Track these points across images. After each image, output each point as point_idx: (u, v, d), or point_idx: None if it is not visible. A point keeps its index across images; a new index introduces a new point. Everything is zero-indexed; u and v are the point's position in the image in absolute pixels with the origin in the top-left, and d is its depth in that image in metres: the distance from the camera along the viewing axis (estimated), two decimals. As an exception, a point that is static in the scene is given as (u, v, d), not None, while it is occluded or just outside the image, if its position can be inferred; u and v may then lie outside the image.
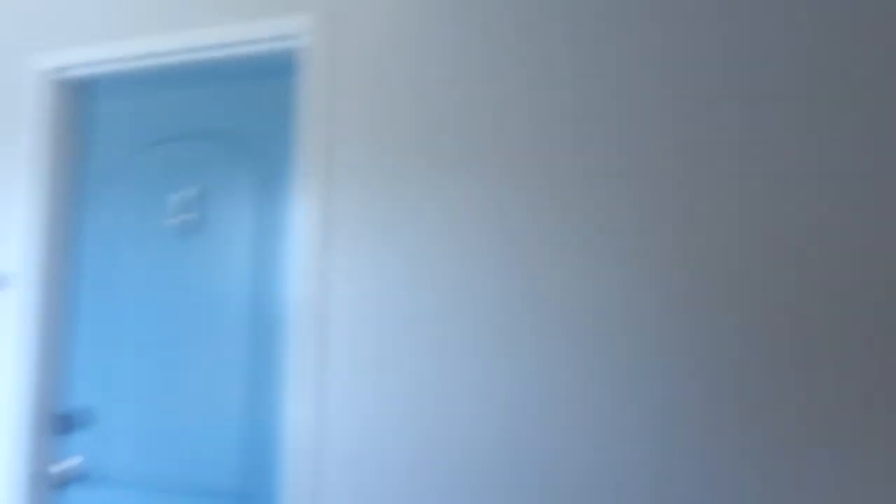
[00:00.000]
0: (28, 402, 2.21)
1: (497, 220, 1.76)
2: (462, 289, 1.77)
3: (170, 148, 2.18)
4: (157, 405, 2.11)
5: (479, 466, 1.71)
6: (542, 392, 1.68)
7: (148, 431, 2.12)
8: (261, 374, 2.00)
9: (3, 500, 2.21)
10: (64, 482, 2.19)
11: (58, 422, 2.24)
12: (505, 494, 1.68)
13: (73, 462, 2.19)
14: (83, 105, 2.34)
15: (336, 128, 1.92)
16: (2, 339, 2.27)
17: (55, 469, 2.21)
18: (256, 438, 1.99)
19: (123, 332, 2.18)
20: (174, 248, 2.15)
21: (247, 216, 2.07)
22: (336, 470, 1.83)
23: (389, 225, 1.85)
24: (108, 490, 2.15)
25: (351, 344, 1.85)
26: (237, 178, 2.09)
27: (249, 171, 2.07)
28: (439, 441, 1.75)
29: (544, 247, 1.71)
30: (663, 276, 1.61)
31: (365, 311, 1.85)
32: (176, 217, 2.15)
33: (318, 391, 1.87)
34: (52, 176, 2.29)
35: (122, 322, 2.19)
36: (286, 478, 1.88)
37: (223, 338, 2.06)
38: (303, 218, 1.91)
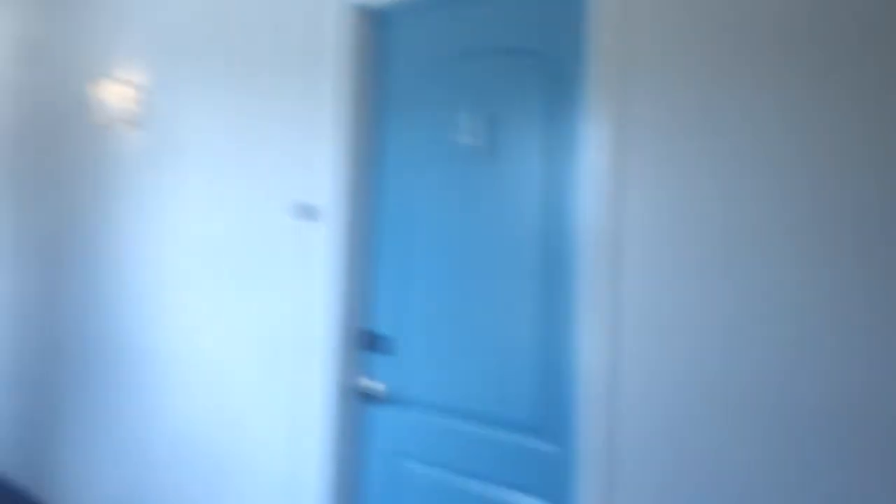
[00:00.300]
0: (338, 322, 2.38)
1: (831, 130, 1.48)
2: (785, 212, 1.52)
3: (461, 69, 2.17)
4: (451, 333, 2.14)
5: (799, 424, 1.50)
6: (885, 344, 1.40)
7: (444, 360, 2.15)
8: (554, 304, 1.93)
9: (318, 408, 2.42)
10: (372, 400, 2.34)
11: (364, 338, 2.39)
12: (816, 450, 1.49)
13: (376, 386, 2.33)
14: (381, 30, 2.41)
15: (630, 41, 1.77)
16: (316, 267, 2.45)
17: (362, 383, 2.37)
18: (550, 371, 1.93)
19: (420, 259, 2.23)
20: (466, 173, 2.13)
21: (538, 136, 1.98)
22: (630, 408, 1.72)
23: (692, 145, 1.65)
24: (408, 412, 2.24)
25: (647, 275, 1.70)
26: (528, 96, 2.01)
27: (541, 88, 1.99)
28: (747, 386, 1.55)
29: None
30: None
31: (663, 238, 1.68)
32: (467, 139, 2.13)
33: (610, 324, 1.76)
34: (356, 105, 2.38)
35: (419, 249, 2.23)
36: (580, 413, 1.83)
37: (514, 265, 2.00)
38: (595, 139, 1.80)
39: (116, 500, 3.41)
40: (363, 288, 2.41)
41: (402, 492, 2.24)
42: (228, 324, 2.84)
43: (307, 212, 2.49)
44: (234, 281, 2.83)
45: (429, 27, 2.28)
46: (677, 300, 1.67)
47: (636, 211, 1.74)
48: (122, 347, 3.44)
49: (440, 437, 2.16)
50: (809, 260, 1.51)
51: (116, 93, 3.43)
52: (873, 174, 1.44)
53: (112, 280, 3.55)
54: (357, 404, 2.39)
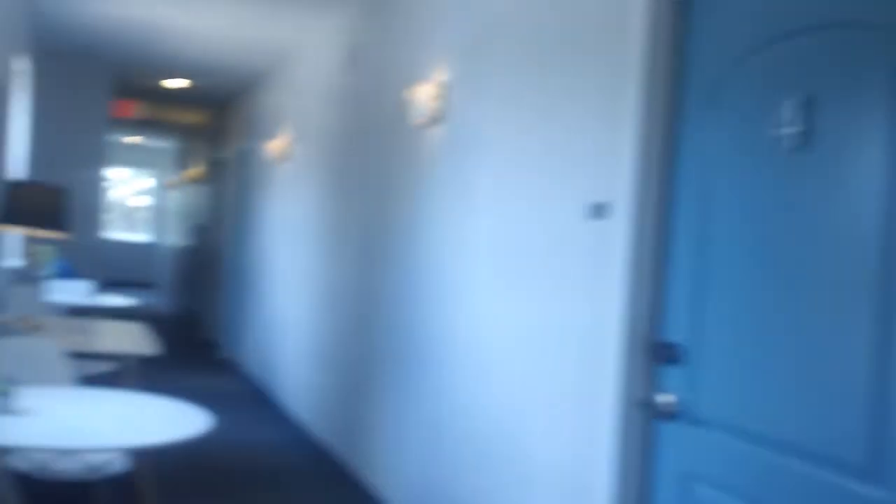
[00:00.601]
0: (628, 327, 2.22)
1: None
2: None
3: (778, 52, 1.90)
4: (758, 348, 1.88)
5: None
6: None
7: (748, 377, 1.90)
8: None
9: (603, 418, 2.28)
10: (662, 414, 2.15)
11: (655, 346, 2.21)
12: None
13: (667, 399, 2.14)
14: (686, 15, 2.21)
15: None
16: (605, 268, 2.32)
17: (652, 395, 2.18)
18: (888, 404, 1.58)
19: (721, 263, 2.01)
20: (782, 168, 1.85)
21: (877, 126, 1.64)
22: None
23: None
24: (702, 430, 2.04)
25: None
26: (866, 80, 1.67)
27: (883, 69, 1.63)
28: None
29: None
30: None
31: None
32: (785, 131, 1.84)
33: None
34: (658, 98, 2.23)
35: (721, 252, 2.02)
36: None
37: (844, 276, 1.68)
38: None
39: (418, 477, 3.56)
40: (655, 292, 2.23)
41: (695, 519, 2.04)
42: (516, 321, 2.81)
43: (599, 211, 2.35)
44: (522, 277, 2.80)
45: (740, 7, 2.03)
46: None
47: None
48: (424, 336, 3.59)
49: (741, 464, 1.90)
50: None
51: (425, 93, 3.57)
52: None
53: (417, 271, 3.72)
54: (646, 417, 2.21)
